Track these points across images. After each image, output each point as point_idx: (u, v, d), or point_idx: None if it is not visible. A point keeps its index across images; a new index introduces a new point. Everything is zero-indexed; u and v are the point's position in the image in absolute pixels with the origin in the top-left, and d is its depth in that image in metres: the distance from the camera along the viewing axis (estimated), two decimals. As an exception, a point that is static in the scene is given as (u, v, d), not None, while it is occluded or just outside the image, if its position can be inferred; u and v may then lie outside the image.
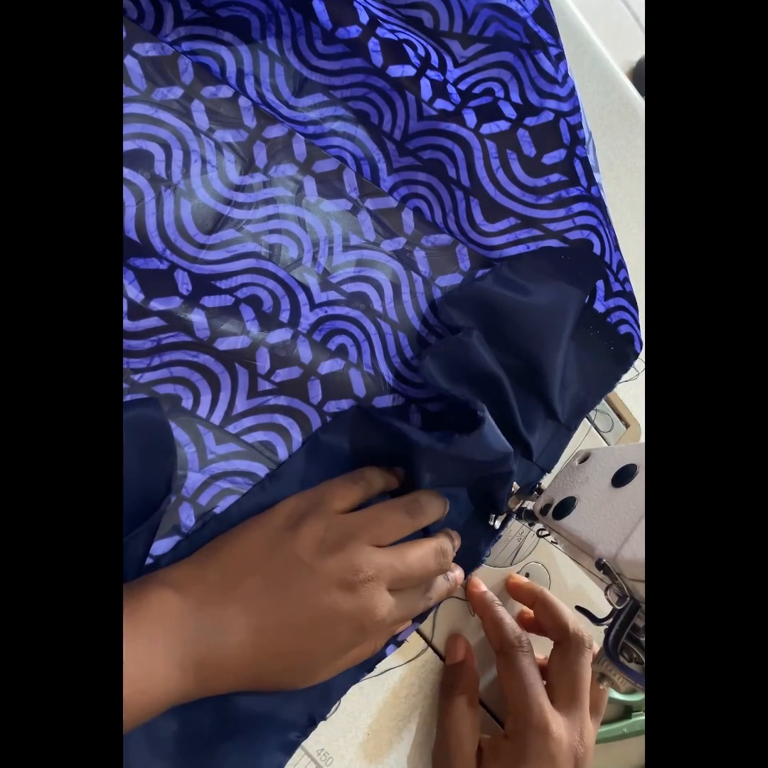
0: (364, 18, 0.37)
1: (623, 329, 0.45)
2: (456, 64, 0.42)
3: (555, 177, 0.42)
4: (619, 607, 0.32)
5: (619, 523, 0.33)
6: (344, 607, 0.32)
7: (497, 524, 0.42)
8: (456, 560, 0.39)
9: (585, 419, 0.45)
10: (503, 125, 0.41)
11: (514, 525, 0.44)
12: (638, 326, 0.46)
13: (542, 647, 0.42)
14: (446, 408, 0.41)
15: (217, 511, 0.36)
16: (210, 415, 0.37)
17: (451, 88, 0.40)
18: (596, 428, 0.48)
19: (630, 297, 0.45)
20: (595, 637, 0.40)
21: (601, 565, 0.32)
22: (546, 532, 0.39)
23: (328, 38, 0.38)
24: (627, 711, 0.50)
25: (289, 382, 0.37)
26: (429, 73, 0.39)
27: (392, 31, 0.38)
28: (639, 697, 0.50)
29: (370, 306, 0.40)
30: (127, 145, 0.35)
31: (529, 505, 0.41)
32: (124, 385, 0.35)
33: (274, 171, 0.38)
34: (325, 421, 0.38)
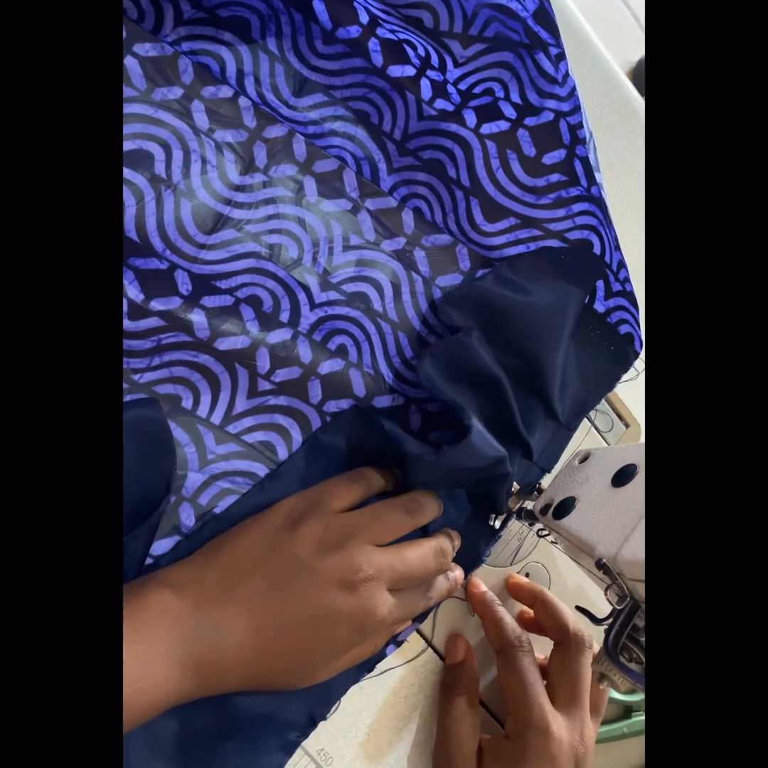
0: (364, 18, 0.37)
1: (623, 329, 0.45)
2: (456, 64, 0.42)
3: (555, 177, 0.42)
4: (619, 607, 0.32)
5: (619, 523, 0.33)
6: (344, 606, 0.32)
7: (497, 524, 0.42)
8: (456, 560, 0.39)
9: (585, 419, 0.45)
10: (503, 125, 0.41)
11: (514, 525, 0.44)
12: (638, 326, 0.46)
13: (542, 647, 0.42)
14: (446, 408, 0.41)
15: (217, 511, 0.36)
16: (210, 415, 0.37)
17: (451, 88, 0.40)
18: (596, 428, 0.48)
19: (630, 297, 0.45)
20: (595, 637, 0.40)
21: (601, 565, 0.32)
22: (546, 532, 0.39)
23: (328, 38, 0.38)
24: (627, 711, 0.50)
25: (289, 382, 0.37)
26: (429, 73, 0.39)
27: (392, 31, 0.38)
28: (639, 697, 0.50)
29: (370, 306, 0.40)
30: (127, 145, 0.35)
31: (529, 505, 0.41)
32: (124, 385, 0.35)
33: (274, 171, 0.38)
34: (324, 421, 0.38)
